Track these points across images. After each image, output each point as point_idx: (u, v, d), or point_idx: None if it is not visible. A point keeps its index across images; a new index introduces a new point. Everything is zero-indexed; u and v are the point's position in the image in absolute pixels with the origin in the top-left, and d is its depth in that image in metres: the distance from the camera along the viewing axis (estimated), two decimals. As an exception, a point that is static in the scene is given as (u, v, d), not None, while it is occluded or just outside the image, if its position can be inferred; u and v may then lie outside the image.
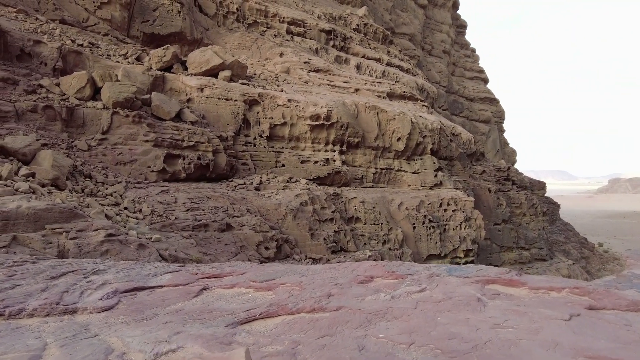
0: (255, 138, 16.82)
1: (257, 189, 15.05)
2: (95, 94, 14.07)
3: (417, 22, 51.80)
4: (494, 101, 59.06)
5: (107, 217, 9.89)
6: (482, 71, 61.51)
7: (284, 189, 15.40)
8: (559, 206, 61.87)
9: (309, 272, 4.00)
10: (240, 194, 14.20)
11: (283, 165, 16.94)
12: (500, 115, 59.44)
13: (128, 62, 16.78)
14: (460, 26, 64.14)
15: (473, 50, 63.85)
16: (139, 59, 17.62)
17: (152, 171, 13.46)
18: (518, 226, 29.20)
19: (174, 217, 11.73)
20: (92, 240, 7.74)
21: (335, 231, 15.52)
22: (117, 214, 10.52)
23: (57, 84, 13.67)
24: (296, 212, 14.62)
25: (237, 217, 13.06)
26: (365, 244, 16.73)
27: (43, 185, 10.02)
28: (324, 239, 14.95)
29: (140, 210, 11.30)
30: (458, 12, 63.77)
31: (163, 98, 15.00)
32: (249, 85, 17.65)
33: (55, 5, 18.13)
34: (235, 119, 16.50)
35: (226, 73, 17.55)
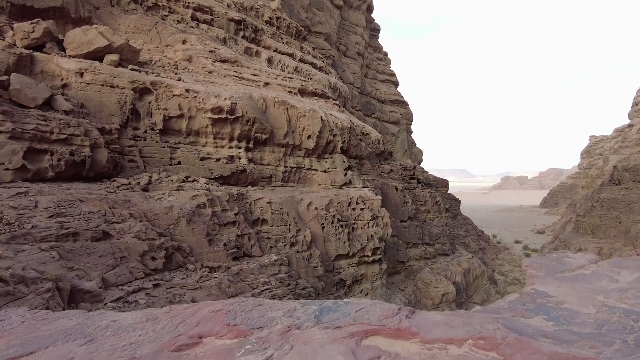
0: (146, 131, 14.90)
1: (145, 189, 13.26)
2: None
3: (332, 22, 52.07)
4: (403, 104, 61.88)
5: None
6: (393, 74, 64.08)
7: (178, 190, 13.79)
8: (459, 202, 66.98)
9: (103, 334, 2.84)
10: (123, 195, 12.33)
11: (179, 163, 15.27)
12: (408, 117, 62.48)
13: (-17, 35, 13.81)
14: (373, 29, 66.11)
15: (385, 54, 66.25)
16: (0, 34, 14.65)
17: (7, 169, 11.05)
18: (423, 223, 30.49)
19: (31, 226, 9.64)
20: None
21: (237, 235, 14.31)
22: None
23: None
24: (191, 215, 13.14)
25: (117, 223, 11.26)
26: (271, 247, 15.77)
27: None
28: (225, 244, 13.68)
29: (-19, 218, 9.07)
30: (372, 15, 65.69)
31: (27, 81, 12.49)
32: (140, 71, 15.63)
33: None
34: (122, 110, 14.44)
35: (113, 57, 15.33)
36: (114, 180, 13.01)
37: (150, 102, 15.23)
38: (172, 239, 12.61)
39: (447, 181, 53.66)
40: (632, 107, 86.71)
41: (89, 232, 10.58)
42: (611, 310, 4.63)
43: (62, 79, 14.08)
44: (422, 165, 58.87)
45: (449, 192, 56.84)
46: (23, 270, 7.87)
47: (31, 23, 14.43)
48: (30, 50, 14.18)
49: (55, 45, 15.09)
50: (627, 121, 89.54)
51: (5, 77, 12.25)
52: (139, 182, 13.38)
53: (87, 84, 14.13)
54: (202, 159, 15.72)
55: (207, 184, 14.84)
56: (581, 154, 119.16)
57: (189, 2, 23.93)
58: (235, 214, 14.51)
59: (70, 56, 14.86)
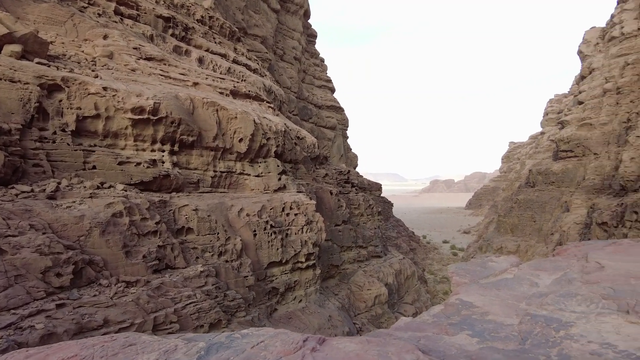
0: (55, 133, 13.42)
1: (51, 197, 11.89)
2: None
3: (269, 26, 51.54)
4: (339, 109, 62.87)
5: None
6: (329, 80, 64.92)
7: (91, 197, 12.55)
8: (392, 205, 69.35)
9: None
10: (22, 204, 10.93)
11: (94, 168, 13.94)
12: (344, 123, 63.61)
13: None
14: (310, 35, 66.52)
15: (322, 60, 66.92)
16: None
17: None
18: (357, 226, 30.97)
19: None
20: None
21: (159, 246, 13.34)
22: None
23: None
24: (106, 225, 12.00)
25: (13, 236, 9.92)
26: (197, 257, 14.93)
27: None
28: (144, 256, 12.66)
29: None
30: (309, 22, 66.07)
31: None
32: (50, 66, 14.08)
33: None
34: (25, 108, 12.87)
35: (15, 48, 13.66)
36: (12, 188, 11.51)
37: (61, 101, 13.75)
38: (83, 251, 11.42)
39: (381, 185, 55.28)
40: (543, 117, 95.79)
41: (-24, 247, 9.19)
42: (533, 320, 4.75)
43: (-52, 71, 12.25)
44: (357, 169, 60.15)
45: (382, 195, 58.60)
46: None
47: None
48: None
49: (-58, 32, 13.13)
50: (540, 129, 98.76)
51: None
52: (45, 189, 11.98)
53: (-20, 77, 12.42)
54: (120, 163, 14.49)
55: (126, 191, 13.70)
56: (502, 159, 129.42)
57: (111, -6, 22.22)
58: (157, 223, 13.52)
59: (-40, 45, 13.00)
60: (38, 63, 13.99)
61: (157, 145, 16.01)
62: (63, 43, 17.95)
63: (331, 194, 27.52)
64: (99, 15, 21.55)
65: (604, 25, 57.72)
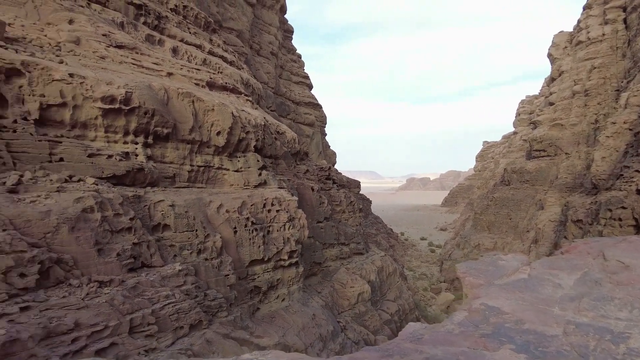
0: (16, 121, 12.26)
1: (13, 191, 10.81)
2: None
3: (245, 20, 50.45)
4: (317, 106, 62.35)
5: None
6: (307, 77, 64.27)
7: (58, 192, 11.51)
8: (370, 202, 69.40)
9: None
10: (-22, 198, 9.85)
11: (61, 160, 12.84)
12: (322, 120, 63.14)
13: None
14: (287, 31, 65.64)
15: (299, 56, 66.18)
16: None
17: None
18: (338, 223, 30.50)
19: None
20: None
21: (134, 243, 12.41)
22: None
23: None
24: (75, 221, 11.01)
25: (-32, 233, 8.88)
26: (175, 255, 14.04)
27: None
28: (118, 254, 11.72)
29: None
30: (285, 17, 65.17)
31: None
32: (7, 49, 12.89)
33: None
34: (-19, 94, 11.70)
35: (-31, 29, 12.43)
36: (-33, 180, 10.39)
37: (21, 87, 12.59)
38: (50, 249, 10.42)
39: (359, 182, 55.15)
40: (516, 117, 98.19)
41: None
42: (580, 330, 4.28)
43: None
44: (335, 167, 59.80)
45: (360, 192, 58.48)
46: None
47: None
48: None
49: None
50: (512, 129, 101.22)
51: None
52: (5, 182, 10.88)
53: None
54: (90, 156, 13.43)
55: (97, 185, 12.68)
56: (476, 158, 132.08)
57: (77, -22, 20.87)
58: (131, 219, 12.57)
59: None
60: (-4, 46, 12.78)
61: (130, 137, 15.00)
62: (23, 26, 16.61)
63: (313, 190, 26.92)
64: (64, -1, 20.19)
65: (572, 30, 59.44)
